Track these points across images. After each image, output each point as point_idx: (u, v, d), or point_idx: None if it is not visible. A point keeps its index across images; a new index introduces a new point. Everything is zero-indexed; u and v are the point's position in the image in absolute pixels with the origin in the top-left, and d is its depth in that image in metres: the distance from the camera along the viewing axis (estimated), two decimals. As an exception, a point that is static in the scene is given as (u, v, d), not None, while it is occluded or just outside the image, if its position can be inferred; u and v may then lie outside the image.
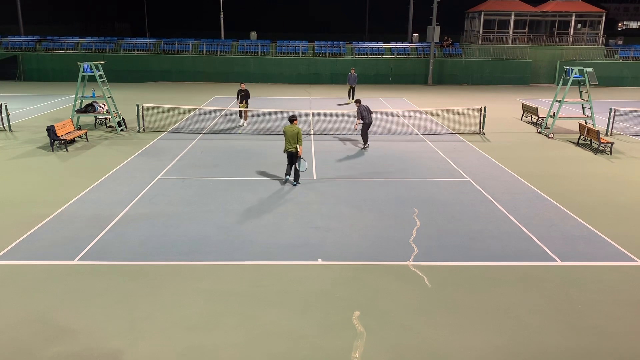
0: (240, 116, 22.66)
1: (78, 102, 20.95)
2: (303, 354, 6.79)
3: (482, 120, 21.38)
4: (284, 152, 13.86)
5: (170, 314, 7.66)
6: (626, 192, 13.74)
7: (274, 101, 30.46)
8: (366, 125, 18.19)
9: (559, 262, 9.53)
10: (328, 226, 11.05)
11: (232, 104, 20.34)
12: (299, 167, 13.89)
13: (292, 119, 13.71)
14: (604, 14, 42.38)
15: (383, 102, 30.62)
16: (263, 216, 11.59)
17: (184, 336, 7.13)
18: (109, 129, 21.24)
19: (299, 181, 14.14)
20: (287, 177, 14.18)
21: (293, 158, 13.83)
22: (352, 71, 29.83)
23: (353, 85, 29.62)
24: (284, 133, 13.64)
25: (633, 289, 8.57)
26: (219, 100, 30.17)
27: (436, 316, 7.70)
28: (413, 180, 14.53)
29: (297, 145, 13.54)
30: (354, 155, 17.26)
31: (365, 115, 18.07)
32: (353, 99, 29.32)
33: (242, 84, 22.65)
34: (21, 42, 40.82)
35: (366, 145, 18.43)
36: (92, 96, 21.38)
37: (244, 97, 22.34)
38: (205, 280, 8.67)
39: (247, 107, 22.34)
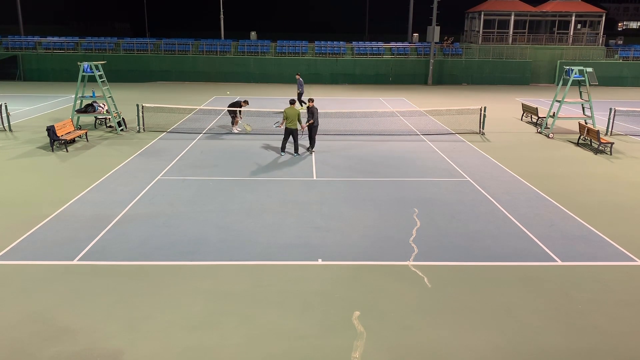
0: (233, 124, 21.08)
1: (78, 102, 20.95)
2: (303, 354, 6.78)
3: (482, 120, 21.38)
4: (275, 125, 17.24)
5: (170, 314, 7.66)
6: (626, 192, 13.73)
7: (274, 101, 30.46)
8: (315, 128, 17.44)
9: (559, 262, 9.52)
10: (328, 226, 11.05)
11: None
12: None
13: (292, 102, 16.81)
14: (604, 14, 42.37)
15: (383, 102, 30.62)
16: (263, 216, 11.59)
17: (184, 336, 7.13)
18: (109, 129, 21.24)
19: (299, 152, 17.00)
20: (283, 153, 17.06)
21: (292, 134, 16.55)
22: (297, 76, 27.32)
23: (300, 91, 26.74)
24: (286, 114, 16.33)
25: (633, 289, 8.57)
26: (219, 100, 30.15)
27: (436, 316, 7.70)
28: (413, 180, 14.52)
29: (298, 123, 16.53)
30: (354, 155, 17.26)
31: (316, 117, 17.15)
32: (304, 104, 26.69)
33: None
34: (21, 42, 40.82)
35: (313, 149, 17.72)
36: (92, 96, 21.38)
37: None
38: (205, 280, 8.67)
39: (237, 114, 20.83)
